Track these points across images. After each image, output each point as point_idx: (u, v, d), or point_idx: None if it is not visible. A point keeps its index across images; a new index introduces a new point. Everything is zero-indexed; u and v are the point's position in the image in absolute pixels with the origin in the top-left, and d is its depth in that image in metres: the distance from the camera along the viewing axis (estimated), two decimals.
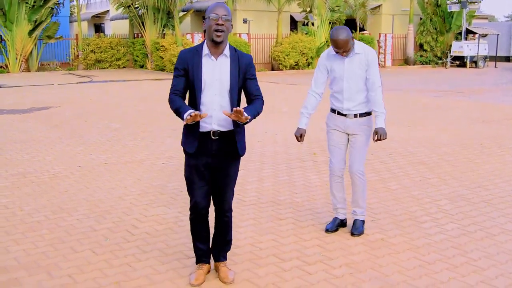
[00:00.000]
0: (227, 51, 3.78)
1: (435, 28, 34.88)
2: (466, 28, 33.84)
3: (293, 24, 32.83)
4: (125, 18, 32.62)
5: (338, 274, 4.21)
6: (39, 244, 4.81)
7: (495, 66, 33.70)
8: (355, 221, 5.13)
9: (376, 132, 4.81)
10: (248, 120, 3.65)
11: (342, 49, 4.76)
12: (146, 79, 23.32)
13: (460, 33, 34.29)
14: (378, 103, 4.85)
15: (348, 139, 5.05)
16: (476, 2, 33.86)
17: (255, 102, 3.85)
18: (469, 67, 32.83)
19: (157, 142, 9.55)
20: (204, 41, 3.82)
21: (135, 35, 31.72)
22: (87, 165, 7.80)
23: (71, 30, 37.42)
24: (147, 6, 28.46)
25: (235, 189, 4.10)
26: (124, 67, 30.90)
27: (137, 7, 29.56)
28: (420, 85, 21.32)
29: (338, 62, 4.92)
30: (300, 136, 5.06)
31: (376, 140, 4.84)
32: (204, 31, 3.75)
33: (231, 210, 4.09)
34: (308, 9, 29.65)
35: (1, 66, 27.73)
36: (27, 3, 26.67)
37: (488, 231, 5.15)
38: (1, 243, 4.83)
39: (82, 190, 6.55)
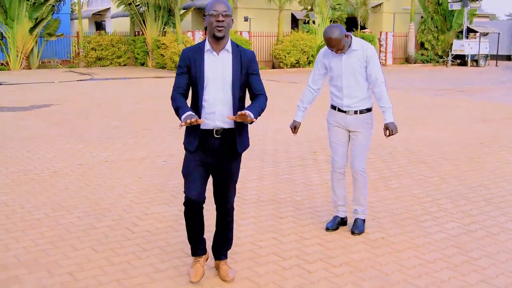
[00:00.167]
0: (228, 46, 3.78)
1: (436, 27, 34.85)
2: (467, 26, 33.83)
3: (294, 22, 32.81)
4: (126, 16, 32.61)
5: (338, 273, 4.21)
6: (39, 242, 4.81)
7: (496, 65, 33.68)
8: (356, 219, 5.12)
9: (386, 128, 4.82)
10: (254, 120, 3.63)
11: (335, 47, 4.76)
12: (147, 77, 23.31)
13: (461, 32, 34.27)
14: (383, 98, 4.84)
15: (349, 136, 5.05)
16: (477, 0, 33.84)
17: (259, 99, 3.83)
18: (470, 66, 32.82)
19: (157, 140, 9.55)
20: (206, 38, 3.82)
21: (136, 33, 31.70)
22: (87, 163, 7.80)
23: (72, 28, 37.43)
24: (148, 3, 28.44)
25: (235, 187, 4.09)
26: (125, 64, 30.89)
27: (138, 4, 29.55)
28: (421, 84, 21.31)
29: (335, 59, 4.91)
30: (294, 128, 5.12)
31: (388, 135, 4.83)
32: (205, 28, 3.75)
33: (233, 208, 4.09)
34: (309, 7, 29.62)
35: (2, 64, 27.72)
36: (28, 0, 26.66)
37: (489, 230, 5.15)
38: (1, 241, 4.83)
39: (82, 187, 6.55)
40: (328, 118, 5.14)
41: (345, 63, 4.86)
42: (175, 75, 3.91)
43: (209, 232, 4.75)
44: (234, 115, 3.73)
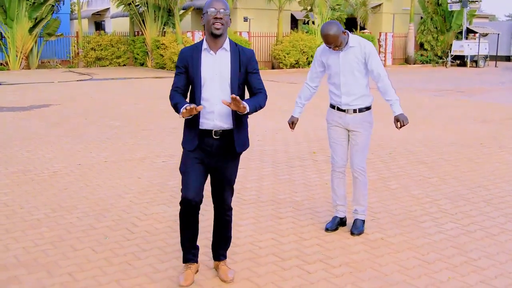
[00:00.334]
0: (226, 45, 3.76)
1: (436, 27, 34.88)
2: (466, 27, 33.85)
3: (294, 22, 32.82)
4: (126, 16, 32.62)
5: (337, 273, 4.21)
6: (39, 242, 4.81)
7: (496, 66, 33.69)
8: (355, 220, 5.12)
9: (397, 120, 4.79)
10: (248, 111, 3.61)
11: (332, 44, 4.76)
12: (147, 77, 23.30)
13: (460, 33, 34.30)
14: (389, 92, 4.84)
15: (349, 135, 5.05)
16: (476, 1, 33.86)
17: (258, 96, 3.83)
18: (470, 67, 32.84)
19: (157, 140, 9.55)
20: (204, 38, 3.80)
21: (136, 33, 31.69)
22: (87, 163, 7.80)
23: (72, 28, 37.42)
24: (147, 3, 28.45)
25: (235, 188, 4.09)
26: (124, 65, 30.88)
27: (138, 4, 29.54)
28: (420, 85, 21.31)
29: (333, 56, 4.92)
30: (292, 124, 5.19)
31: (400, 127, 4.80)
32: (204, 27, 3.74)
33: (231, 209, 4.08)
34: (309, 8, 29.64)
35: (1, 63, 27.72)
36: (27, 0, 26.65)
37: (488, 231, 5.15)
38: (0, 241, 4.83)
39: (82, 188, 6.55)
40: (328, 118, 5.14)
41: (342, 60, 4.86)
42: (174, 75, 3.91)
43: (209, 232, 4.75)
44: (232, 114, 3.73)
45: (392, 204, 5.97)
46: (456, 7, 33.34)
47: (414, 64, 34.55)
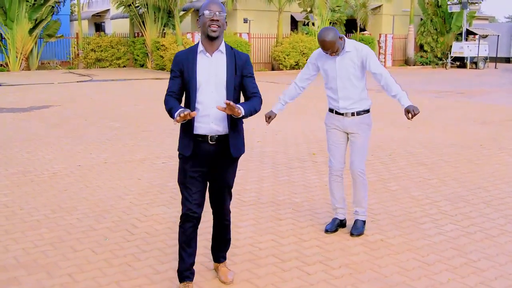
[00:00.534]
0: (222, 47, 3.72)
1: (436, 29, 34.90)
2: (466, 29, 33.87)
3: (294, 24, 32.83)
4: (126, 17, 32.64)
5: (337, 275, 4.21)
6: (39, 243, 4.81)
7: (495, 67, 33.71)
8: (356, 221, 5.13)
9: (407, 111, 4.67)
10: (243, 115, 3.57)
11: (329, 50, 4.76)
12: (146, 78, 23.32)
13: (460, 34, 34.31)
14: (393, 88, 4.80)
15: (348, 137, 5.05)
16: (476, 3, 33.88)
17: (252, 100, 3.78)
18: (469, 68, 32.85)
19: (157, 141, 9.55)
20: (199, 41, 3.76)
21: (136, 34, 31.72)
22: (87, 164, 7.80)
23: (72, 29, 37.42)
24: (147, 5, 28.47)
25: (235, 189, 4.08)
26: (124, 66, 30.90)
27: (138, 6, 29.57)
28: (420, 86, 21.32)
29: (329, 61, 4.92)
30: (268, 118, 5.08)
31: (411, 117, 4.70)
32: (200, 27, 3.70)
33: (230, 212, 4.05)
34: (309, 9, 29.66)
35: (1, 65, 27.73)
36: (27, 1, 26.68)
37: (488, 232, 5.15)
38: (0, 242, 4.83)
39: (82, 189, 6.55)
40: (326, 121, 5.15)
41: (339, 65, 4.87)
42: None
43: (208, 234, 4.75)
44: (227, 118, 3.68)
45: (392, 206, 5.98)
46: (456, 9, 33.37)
47: (414, 65, 34.56)
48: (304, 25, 32.11)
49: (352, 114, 4.93)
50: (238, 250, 4.66)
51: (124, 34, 32.23)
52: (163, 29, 29.91)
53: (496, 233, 5.14)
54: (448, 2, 34.30)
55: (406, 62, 35.04)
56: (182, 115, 3.43)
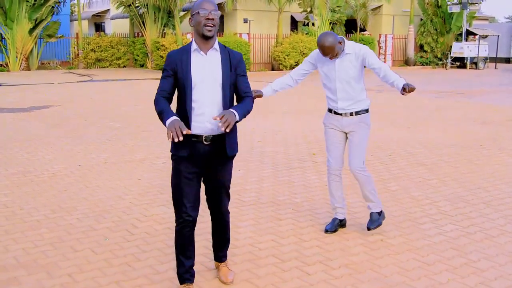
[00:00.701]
0: (216, 45, 3.68)
1: (436, 29, 34.92)
2: (466, 29, 33.89)
3: (294, 24, 32.84)
4: (126, 17, 32.65)
5: (337, 275, 4.21)
6: (39, 243, 4.81)
7: (495, 68, 33.73)
8: (370, 214, 5.11)
9: (404, 89, 4.59)
10: (238, 120, 3.54)
11: (329, 54, 4.76)
12: (146, 78, 23.33)
13: (460, 34, 34.33)
14: (392, 76, 4.68)
15: (346, 137, 5.05)
16: (476, 3, 33.91)
17: (245, 101, 3.74)
18: (469, 68, 32.86)
19: (157, 141, 9.55)
20: (192, 40, 3.70)
21: (136, 34, 31.73)
22: (87, 164, 7.80)
23: (72, 29, 37.44)
24: (147, 5, 28.49)
25: (235, 189, 4.07)
26: (124, 66, 30.91)
27: (138, 6, 29.59)
28: (420, 86, 21.30)
29: (328, 63, 4.92)
30: (255, 93, 4.89)
31: (407, 92, 4.59)
32: (193, 27, 3.64)
33: (228, 212, 4.01)
34: (309, 9, 29.66)
35: (1, 65, 27.74)
36: (27, 1, 26.69)
37: (488, 233, 5.15)
38: (0, 242, 4.83)
39: (82, 189, 6.55)
40: (325, 121, 5.15)
41: (338, 67, 4.87)
42: None
43: (208, 233, 4.76)
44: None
45: (392, 206, 5.98)
46: (456, 9, 33.39)
47: (414, 65, 34.58)
48: (304, 25, 32.12)
49: (351, 114, 4.94)
50: (238, 250, 4.66)
51: (124, 34, 32.24)
52: (163, 29, 29.92)
53: (496, 233, 5.15)
54: (448, 3, 34.34)
55: (406, 62, 35.05)
56: (174, 131, 3.32)
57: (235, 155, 3.83)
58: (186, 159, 3.66)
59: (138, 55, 30.54)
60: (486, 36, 34.74)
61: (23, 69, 27.50)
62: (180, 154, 3.66)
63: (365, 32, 33.32)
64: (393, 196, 6.34)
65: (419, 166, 7.81)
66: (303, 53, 28.31)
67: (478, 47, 32.96)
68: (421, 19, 35.62)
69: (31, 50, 27.74)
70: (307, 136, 10.10)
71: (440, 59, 34.71)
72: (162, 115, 3.53)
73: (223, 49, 3.72)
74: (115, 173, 7.30)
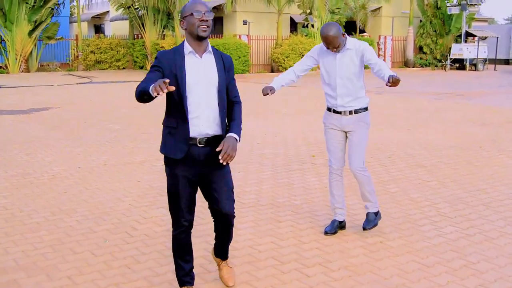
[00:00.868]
0: (210, 48, 3.63)
1: (435, 31, 34.94)
2: (465, 30, 33.92)
3: (293, 25, 32.86)
4: (125, 19, 32.65)
5: (337, 277, 4.21)
6: (38, 246, 4.81)
7: (495, 69, 33.75)
8: (367, 214, 5.14)
9: (388, 80, 4.49)
10: (239, 141, 3.56)
11: (332, 45, 4.76)
12: None
13: (459, 36, 34.36)
14: (384, 70, 4.58)
15: (346, 136, 5.06)
16: (475, 4, 33.95)
17: (236, 111, 3.68)
18: (469, 70, 32.88)
19: (156, 143, 9.54)
20: (183, 42, 3.64)
21: (135, 36, 31.75)
22: (86, 166, 7.80)
23: (71, 31, 37.46)
24: (147, 7, 28.51)
25: (234, 191, 4.02)
26: (124, 68, 30.93)
27: (137, 8, 29.61)
28: (419, 88, 21.34)
29: (330, 58, 4.93)
30: (270, 90, 4.80)
31: (392, 83, 4.46)
32: (185, 29, 3.56)
33: (234, 216, 3.81)
34: (308, 11, 29.68)
35: (1, 67, 27.75)
36: (27, 3, 26.71)
37: (487, 234, 5.16)
38: (0, 244, 4.83)
39: (81, 191, 6.55)
40: (324, 120, 5.15)
41: (339, 62, 4.88)
42: None
43: (208, 236, 4.76)
44: (220, 118, 3.58)
45: (391, 208, 5.98)
46: (455, 11, 33.42)
47: (413, 67, 34.60)
48: (303, 27, 32.13)
49: (350, 112, 4.94)
50: (238, 252, 4.67)
51: (123, 36, 32.25)
52: (163, 31, 29.95)
53: (495, 235, 5.15)
54: (447, 4, 34.38)
55: (406, 64, 35.08)
56: (157, 85, 3.13)
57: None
58: (181, 163, 3.58)
59: (137, 57, 30.56)
60: (486, 38, 34.77)
61: (22, 71, 27.51)
62: (177, 157, 3.57)
63: (364, 34, 33.34)
64: (393, 198, 6.34)
65: (419, 168, 7.82)
66: (303, 55, 28.14)
67: (478, 48, 32.99)
68: (421, 21, 35.66)
69: (31, 52, 27.76)
70: (307, 138, 10.10)
71: (440, 61, 34.73)
72: (144, 90, 3.30)
73: (216, 52, 3.68)
74: (115, 175, 7.30)
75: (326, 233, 5.11)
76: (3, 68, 27.51)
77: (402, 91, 19.34)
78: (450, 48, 34.08)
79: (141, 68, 30.66)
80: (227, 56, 3.74)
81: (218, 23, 31.67)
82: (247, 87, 21.32)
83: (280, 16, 28.73)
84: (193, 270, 3.86)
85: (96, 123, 11.82)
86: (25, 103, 15.26)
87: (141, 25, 29.52)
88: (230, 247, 4.19)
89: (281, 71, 28.32)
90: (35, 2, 27.18)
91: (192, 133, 3.55)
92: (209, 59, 3.62)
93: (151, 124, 11.67)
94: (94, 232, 5.17)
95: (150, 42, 28.91)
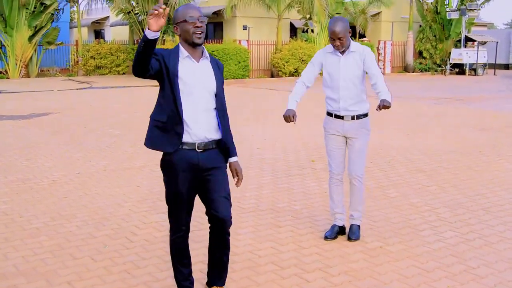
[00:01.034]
0: (206, 53, 3.62)
1: (435, 36, 35.01)
2: (465, 35, 33.97)
3: (293, 31, 32.92)
4: (125, 24, 32.69)
5: (337, 282, 4.21)
6: (38, 251, 4.81)
7: (494, 74, 33.78)
8: (352, 225, 5.16)
9: (379, 106, 4.57)
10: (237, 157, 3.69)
11: (338, 38, 4.75)
12: (146, 85, 23.33)
13: (459, 41, 34.41)
14: (381, 86, 4.72)
15: (347, 142, 5.06)
16: (475, 9, 34.00)
17: (226, 126, 3.65)
18: (468, 75, 32.91)
19: None
20: (177, 45, 3.60)
21: (135, 41, 31.76)
22: (86, 172, 7.80)
23: (71, 36, 37.52)
24: (147, 12, 28.51)
25: (234, 196, 4.04)
26: (124, 73, 30.93)
27: (137, 13, 29.64)
28: (419, 93, 21.35)
29: (334, 60, 4.93)
30: (292, 116, 4.82)
31: (381, 108, 4.56)
32: (179, 35, 3.54)
33: (231, 223, 3.72)
34: (308, 16, 29.73)
35: (1, 72, 27.76)
36: (27, 8, 26.74)
37: (487, 239, 5.15)
38: (0, 250, 4.83)
39: (81, 196, 6.55)
40: (325, 125, 5.14)
41: (343, 64, 4.89)
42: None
43: (205, 248, 4.75)
44: (217, 122, 3.58)
45: (391, 213, 5.98)
46: (454, 16, 33.49)
47: (413, 72, 34.64)
48: (303, 32, 32.21)
49: (352, 117, 4.95)
50: (238, 257, 4.67)
51: (123, 41, 32.28)
52: (163, 36, 29.95)
53: (495, 240, 5.15)
54: (447, 9, 34.45)
55: (405, 68, 35.11)
56: (155, 11, 3.12)
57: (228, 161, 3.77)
58: (180, 168, 3.55)
59: None
60: (485, 43, 34.82)
61: (22, 76, 27.52)
62: (169, 150, 3.53)
63: (364, 39, 33.40)
64: (392, 203, 6.35)
65: (418, 173, 7.82)
66: (302, 60, 28.37)
67: (477, 53, 33.03)
68: (420, 26, 35.72)
69: (31, 57, 27.78)
70: (307, 143, 10.10)
71: (439, 66, 34.77)
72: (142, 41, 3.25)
73: (211, 57, 3.67)
74: (115, 180, 7.31)
75: (326, 238, 5.11)
76: (3, 74, 27.52)
77: (402, 96, 19.36)
78: (450, 53, 34.13)
79: None
80: (220, 63, 3.75)
81: (218, 28, 31.74)
82: (246, 92, 21.35)
83: (280, 21, 28.78)
84: (192, 275, 3.86)
85: (96, 128, 11.83)
86: (25, 109, 15.27)
87: (141, 30, 29.54)
88: (230, 252, 4.16)
89: (280, 76, 28.40)
90: (35, 8, 27.21)
91: (191, 138, 3.53)
92: (206, 65, 3.61)
93: None
94: (94, 237, 5.17)
95: None
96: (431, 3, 35.25)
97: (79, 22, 31.08)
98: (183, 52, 3.54)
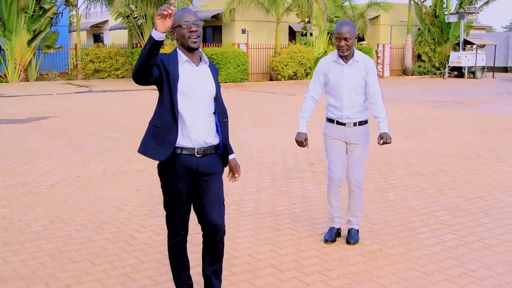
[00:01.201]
0: (205, 58, 3.63)
1: (433, 39, 35.06)
2: (464, 38, 34.02)
3: (292, 34, 32.96)
4: (124, 28, 32.73)
5: (336, 285, 4.21)
6: (37, 255, 4.80)
7: (493, 77, 33.82)
8: (350, 230, 5.16)
9: (381, 137, 4.85)
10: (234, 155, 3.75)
11: (344, 40, 4.76)
12: (145, 89, 23.33)
13: (458, 44, 34.47)
14: (381, 110, 4.88)
15: (347, 148, 5.07)
16: (474, 12, 34.06)
17: (225, 132, 3.64)
18: (467, 78, 32.95)
19: None
20: (175, 49, 3.60)
21: (134, 45, 31.80)
22: (85, 175, 7.80)
23: (70, 40, 37.54)
24: (146, 16, 28.56)
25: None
26: (123, 77, 30.95)
27: (136, 17, 29.67)
28: (418, 96, 21.37)
29: (337, 69, 4.94)
30: (304, 141, 4.98)
31: (382, 144, 4.87)
32: (176, 40, 3.54)
33: (224, 232, 3.69)
34: (307, 20, 29.78)
35: (0, 76, 27.77)
36: (26, 12, 26.78)
37: (486, 242, 5.16)
38: None
39: (80, 200, 6.55)
40: (326, 131, 5.12)
41: (347, 73, 4.90)
42: None
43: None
44: (217, 126, 3.59)
45: (390, 216, 5.98)
46: (453, 19, 33.55)
47: (411, 75, 34.67)
48: (302, 35, 32.24)
49: (354, 124, 4.96)
50: (237, 260, 4.66)
51: (122, 45, 32.31)
52: None
53: (494, 242, 5.15)
54: (446, 12, 34.50)
55: (404, 72, 35.16)
56: (161, 12, 3.10)
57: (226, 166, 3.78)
58: (178, 174, 3.57)
59: None
60: (484, 46, 34.87)
61: (21, 80, 27.54)
62: (161, 158, 3.60)
63: (363, 42, 33.42)
64: (392, 206, 6.35)
65: (417, 176, 7.82)
66: (301, 63, 28.41)
67: (476, 56, 33.08)
68: (419, 29, 35.77)
69: (30, 61, 27.80)
70: None
71: (438, 69, 34.81)
72: (142, 51, 3.28)
73: (209, 61, 3.69)
74: (114, 184, 7.30)
75: (326, 241, 5.11)
76: (2, 77, 27.54)
77: (401, 99, 19.38)
78: (449, 56, 34.17)
79: None
80: (216, 67, 3.76)
81: (216, 32, 31.77)
82: (245, 95, 21.36)
83: (278, 24, 28.81)
84: (191, 278, 3.86)
85: (95, 132, 11.83)
86: (24, 112, 15.27)
87: (140, 34, 29.58)
88: (229, 255, 4.17)
89: (279, 80, 28.41)
90: (34, 12, 27.26)
91: (191, 143, 3.52)
92: (205, 69, 3.62)
93: None
94: (93, 241, 5.17)
95: None
96: (430, 6, 35.31)
97: (78, 26, 31.10)
98: (182, 56, 3.55)
